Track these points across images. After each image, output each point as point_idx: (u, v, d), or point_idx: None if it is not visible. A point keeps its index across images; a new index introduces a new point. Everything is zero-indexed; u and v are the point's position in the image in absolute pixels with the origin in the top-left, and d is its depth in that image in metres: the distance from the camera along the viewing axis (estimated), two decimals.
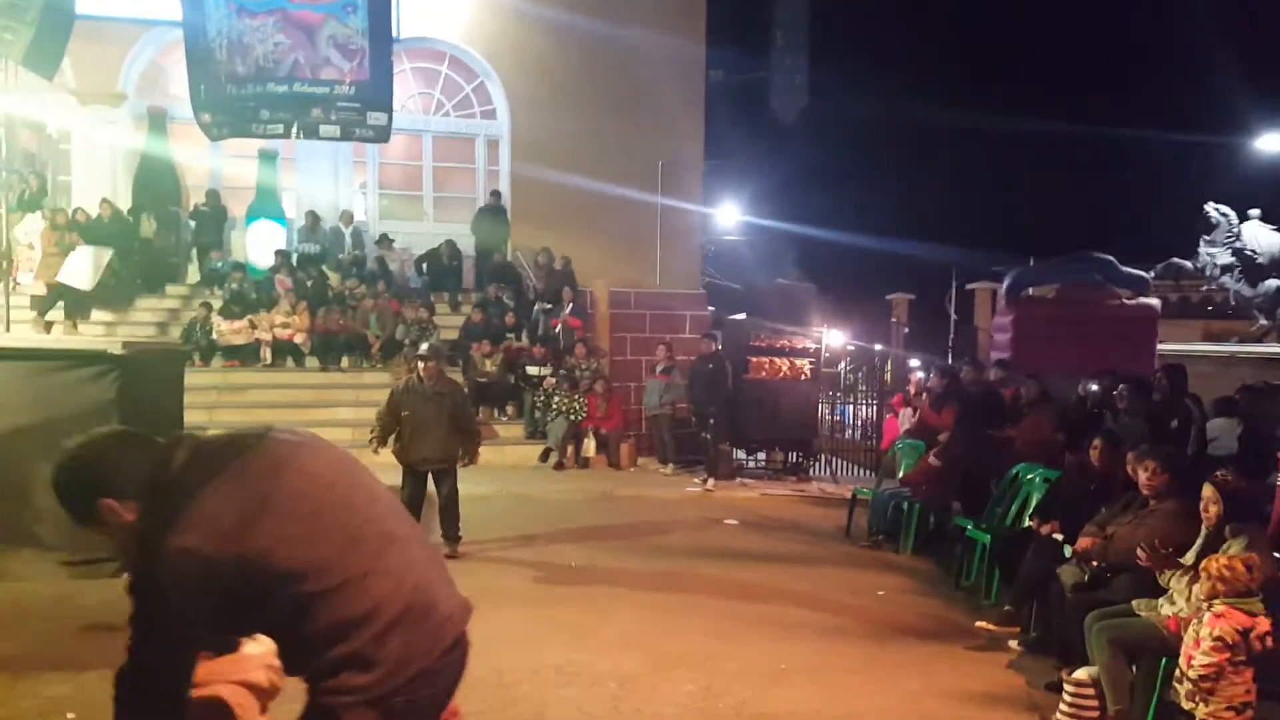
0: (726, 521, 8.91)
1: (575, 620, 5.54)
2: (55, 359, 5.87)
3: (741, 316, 12.99)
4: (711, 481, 10.53)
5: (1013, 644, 5.32)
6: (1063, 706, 4.24)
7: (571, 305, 12.87)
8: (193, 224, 13.88)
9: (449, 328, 12.92)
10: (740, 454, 12.07)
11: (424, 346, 7.12)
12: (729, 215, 22.88)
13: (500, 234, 14.15)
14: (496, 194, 14.26)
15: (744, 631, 5.46)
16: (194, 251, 13.93)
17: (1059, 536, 5.49)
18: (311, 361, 12.44)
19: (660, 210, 14.30)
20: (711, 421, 10.84)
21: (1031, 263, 15.00)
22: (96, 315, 12.40)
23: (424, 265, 13.99)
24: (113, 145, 13.82)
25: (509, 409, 12.13)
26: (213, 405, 11.35)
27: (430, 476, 7.00)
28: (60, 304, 12.00)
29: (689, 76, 14.72)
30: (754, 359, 11.82)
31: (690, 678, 4.67)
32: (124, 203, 13.40)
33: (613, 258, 13.83)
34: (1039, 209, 25.04)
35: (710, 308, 15.04)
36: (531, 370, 11.99)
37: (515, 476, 10.44)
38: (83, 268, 12.06)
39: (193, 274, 13.83)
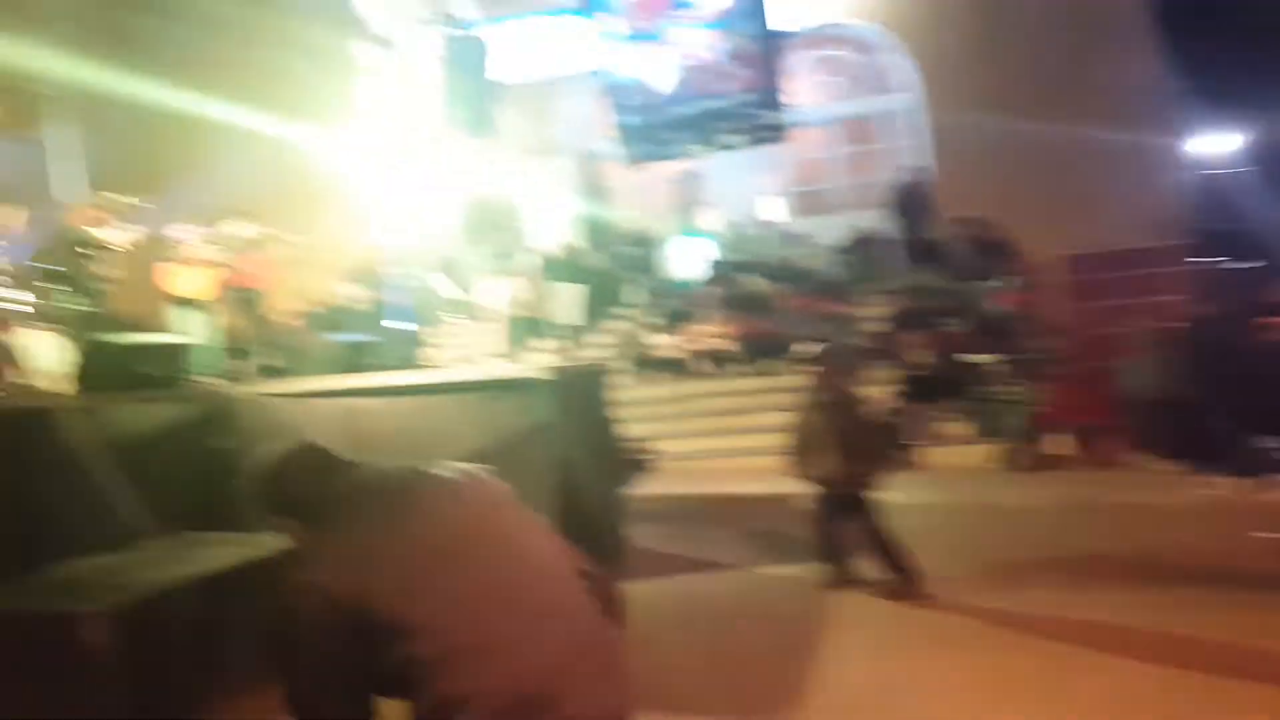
0: (1256, 535, 6.82)
1: (1031, 679, 4.41)
2: (490, 389, 6.28)
3: (1245, 265, 10.22)
4: (1228, 481, 8.26)
5: None
6: None
7: (1014, 279, 11.25)
8: (630, 250, 14.88)
9: (876, 320, 12.11)
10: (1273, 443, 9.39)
11: (818, 349, 6.43)
12: (1221, 143, 18.60)
13: (924, 211, 12.96)
14: (915, 169, 13.11)
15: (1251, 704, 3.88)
16: (634, 275, 14.94)
17: None
18: (744, 368, 12.50)
19: (1118, 151, 11.92)
20: (1218, 404, 8.55)
21: None
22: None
23: (846, 258, 13.35)
24: (557, 190, 15.36)
25: (952, 405, 10.90)
26: (657, 418, 11.92)
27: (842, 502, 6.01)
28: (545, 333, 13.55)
29: None
30: (1271, 319, 9.14)
31: None
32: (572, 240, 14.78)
33: (1063, 218, 11.82)
34: None
35: (1202, 258, 12.16)
36: (972, 358, 10.65)
37: (965, 482, 9.24)
38: (569, 303, 13.51)
39: (635, 295, 14.85)
